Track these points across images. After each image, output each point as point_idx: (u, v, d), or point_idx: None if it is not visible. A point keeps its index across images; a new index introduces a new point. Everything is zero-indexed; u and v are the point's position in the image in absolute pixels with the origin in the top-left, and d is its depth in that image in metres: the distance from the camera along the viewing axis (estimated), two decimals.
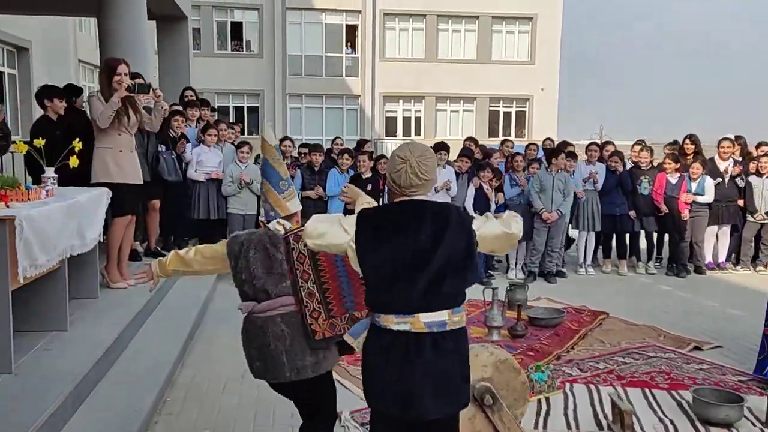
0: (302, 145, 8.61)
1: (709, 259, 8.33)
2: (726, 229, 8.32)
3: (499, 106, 26.28)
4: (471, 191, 7.54)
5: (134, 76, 5.44)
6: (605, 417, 3.82)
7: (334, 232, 2.24)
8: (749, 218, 8.18)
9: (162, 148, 6.69)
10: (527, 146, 9.18)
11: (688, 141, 8.50)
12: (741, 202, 8.20)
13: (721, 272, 8.21)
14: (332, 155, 8.48)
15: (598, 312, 6.11)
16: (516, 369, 3.34)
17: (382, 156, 8.07)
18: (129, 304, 4.99)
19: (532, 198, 7.70)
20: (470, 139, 8.87)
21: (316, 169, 7.79)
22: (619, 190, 7.96)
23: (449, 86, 25.27)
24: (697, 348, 5.19)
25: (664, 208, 7.87)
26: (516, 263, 7.98)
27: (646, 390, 4.26)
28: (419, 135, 25.35)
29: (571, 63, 60.77)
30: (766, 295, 5.13)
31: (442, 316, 2.17)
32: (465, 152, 7.89)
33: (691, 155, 8.35)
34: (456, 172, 7.62)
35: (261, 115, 24.92)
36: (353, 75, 25.93)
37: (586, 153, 8.32)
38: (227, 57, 25.02)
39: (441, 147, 7.62)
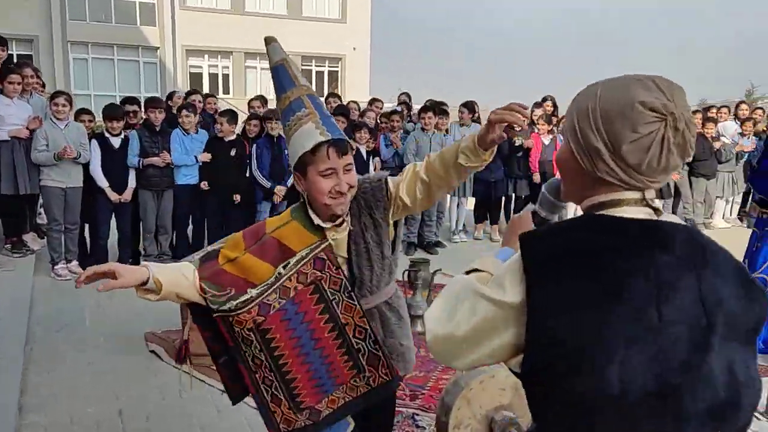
0: (127, 101, 6.91)
1: None
2: None
3: (311, 65, 25.24)
4: None
5: None
6: None
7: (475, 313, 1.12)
8: None
9: None
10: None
11: (549, 102, 8.44)
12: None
13: None
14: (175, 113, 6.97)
15: None
16: None
17: (270, 114, 6.57)
18: None
19: (407, 161, 7.00)
20: (333, 95, 7.89)
21: (158, 128, 6.28)
22: (498, 154, 7.58)
23: (259, 42, 23.43)
24: None
25: (537, 179, 7.71)
26: None
27: None
28: (228, 93, 23.46)
29: (385, 23, 61.13)
30: None
31: None
32: (341, 110, 6.93)
33: (552, 114, 8.31)
34: None
35: (36, 65, 21.10)
36: (150, 24, 23.02)
37: (459, 114, 7.81)
38: None
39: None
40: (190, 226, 6.65)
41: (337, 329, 1.87)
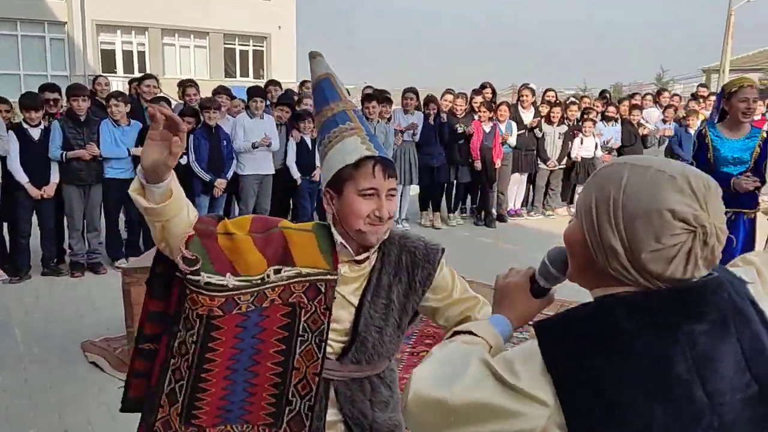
0: (47, 88, 6.34)
1: (510, 206, 8.52)
2: (524, 178, 8.56)
3: (234, 44, 24.38)
4: (292, 146, 6.41)
5: None
6: None
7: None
8: (542, 166, 8.50)
9: None
10: None
11: (488, 88, 8.49)
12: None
13: (519, 219, 8.46)
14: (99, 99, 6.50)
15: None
16: None
17: (208, 103, 6.18)
18: None
19: None
20: (273, 82, 7.60)
21: (82, 118, 5.83)
22: (437, 141, 7.56)
23: (177, 18, 22.53)
24: None
25: (478, 165, 7.75)
26: None
27: None
28: (144, 71, 22.35)
29: (313, 3, 59.39)
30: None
31: None
32: (285, 99, 6.67)
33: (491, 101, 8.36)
34: (276, 123, 6.39)
35: None
36: None
37: (402, 101, 7.70)
38: None
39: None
40: (123, 224, 6.27)
41: (283, 366, 1.60)
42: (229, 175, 6.12)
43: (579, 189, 8.64)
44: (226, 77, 21.75)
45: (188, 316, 1.55)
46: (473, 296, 1.70)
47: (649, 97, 9.90)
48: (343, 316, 1.63)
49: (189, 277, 1.52)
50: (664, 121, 9.09)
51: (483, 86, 8.62)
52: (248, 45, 24.84)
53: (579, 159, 8.42)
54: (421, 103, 7.74)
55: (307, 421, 1.61)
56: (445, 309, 1.68)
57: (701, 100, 9.70)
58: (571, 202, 8.91)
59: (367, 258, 1.65)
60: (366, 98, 6.84)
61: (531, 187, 8.81)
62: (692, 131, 8.85)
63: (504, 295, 1.30)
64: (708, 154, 3.87)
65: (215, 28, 23.37)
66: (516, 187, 8.55)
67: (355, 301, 1.64)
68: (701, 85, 12.12)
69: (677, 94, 10.57)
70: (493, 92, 8.59)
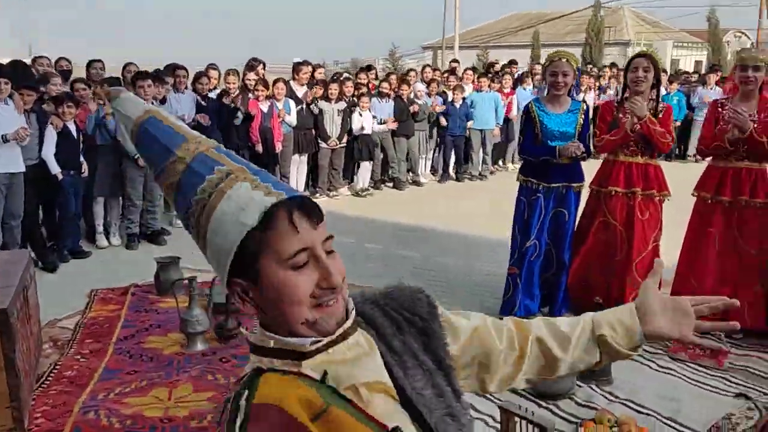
0: None
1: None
2: (304, 158, 8.22)
3: None
4: (51, 135, 5.23)
5: None
6: None
7: None
8: (322, 145, 8.24)
9: None
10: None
11: (261, 65, 7.95)
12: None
13: None
14: None
15: None
16: None
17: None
18: None
19: (125, 142, 5.83)
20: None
21: None
22: (215, 125, 6.84)
23: None
24: None
25: (260, 149, 7.23)
26: (112, 226, 6.07)
27: None
28: None
29: None
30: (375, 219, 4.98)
31: None
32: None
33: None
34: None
35: None
36: None
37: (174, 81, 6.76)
38: None
39: None
40: None
41: None
42: None
43: (362, 166, 8.60)
44: None
45: None
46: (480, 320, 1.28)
47: (413, 73, 10.23)
48: (390, 413, 1.06)
49: None
50: (428, 95, 9.46)
51: (254, 62, 8.06)
52: None
53: (359, 135, 8.34)
54: (189, 81, 6.94)
55: None
56: (478, 352, 1.24)
57: (461, 76, 10.40)
58: (352, 180, 8.85)
59: (345, 332, 1.09)
60: (138, 77, 5.84)
61: (314, 167, 8.56)
62: (458, 105, 9.38)
63: None
64: (535, 129, 3.94)
65: None
66: (297, 169, 8.20)
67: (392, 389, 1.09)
68: (454, 60, 12.95)
69: (438, 69, 11.17)
70: (264, 67, 8.07)
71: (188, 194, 1.09)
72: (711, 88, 11.86)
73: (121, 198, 6.10)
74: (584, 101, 4.00)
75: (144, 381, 3.43)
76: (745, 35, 28.83)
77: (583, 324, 1.25)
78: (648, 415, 3.04)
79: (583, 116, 3.90)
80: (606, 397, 3.23)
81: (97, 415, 3.07)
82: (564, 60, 3.84)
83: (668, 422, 2.99)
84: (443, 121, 9.37)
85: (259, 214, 1.02)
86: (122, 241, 6.06)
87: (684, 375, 3.48)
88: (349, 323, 1.09)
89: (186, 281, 3.86)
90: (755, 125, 3.73)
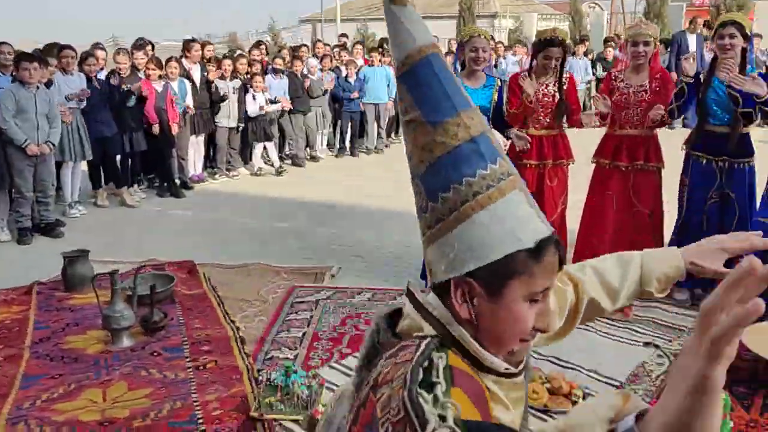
0: None
1: (193, 172, 7.84)
2: (201, 139, 7.94)
3: None
4: None
5: None
6: None
7: None
8: (220, 124, 7.97)
9: None
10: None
11: (149, 45, 7.53)
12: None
13: (204, 184, 7.89)
14: None
15: (188, 263, 4.92)
16: None
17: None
18: None
19: (9, 129, 5.37)
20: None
21: None
22: (107, 106, 6.44)
23: None
24: None
25: (156, 130, 6.90)
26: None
27: None
28: None
29: None
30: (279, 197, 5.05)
31: None
32: None
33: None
34: None
35: None
36: None
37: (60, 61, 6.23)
38: None
39: None
40: None
41: None
42: None
43: (258, 147, 8.44)
44: None
45: None
46: None
47: (304, 48, 10.10)
48: None
49: None
50: (321, 70, 9.40)
51: (141, 42, 7.63)
52: None
53: (254, 115, 8.15)
54: (77, 61, 6.46)
55: None
56: None
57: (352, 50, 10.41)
58: (246, 162, 8.65)
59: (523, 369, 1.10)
60: (23, 58, 5.33)
61: (212, 148, 8.29)
62: (352, 80, 9.39)
63: None
64: None
65: None
66: (194, 151, 7.91)
67: None
68: (342, 34, 12.91)
69: (327, 44, 11.09)
70: (152, 47, 7.67)
71: (462, 168, 1.00)
72: (579, 58, 12.70)
73: (7, 190, 5.63)
74: (499, 78, 4.17)
75: (72, 384, 3.26)
76: (599, 6, 30.66)
77: (633, 274, 1.34)
78: (573, 369, 3.30)
79: (497, 92, 4.08)
80: (531, 356, 3.46)
81: (28, 426, 2.90)
82: (482, 37, 4.01)
83: (592, 375, 3.26)
84: (349, 96, 9.30)
85: (535, 240, 0.99)
86: (12, 236, 5.61)
87: (596, 329, 3.79)
88: (525, 363, 1.11)
89: (109, 275, 3.66)
90: (648, 95, 4.07)
